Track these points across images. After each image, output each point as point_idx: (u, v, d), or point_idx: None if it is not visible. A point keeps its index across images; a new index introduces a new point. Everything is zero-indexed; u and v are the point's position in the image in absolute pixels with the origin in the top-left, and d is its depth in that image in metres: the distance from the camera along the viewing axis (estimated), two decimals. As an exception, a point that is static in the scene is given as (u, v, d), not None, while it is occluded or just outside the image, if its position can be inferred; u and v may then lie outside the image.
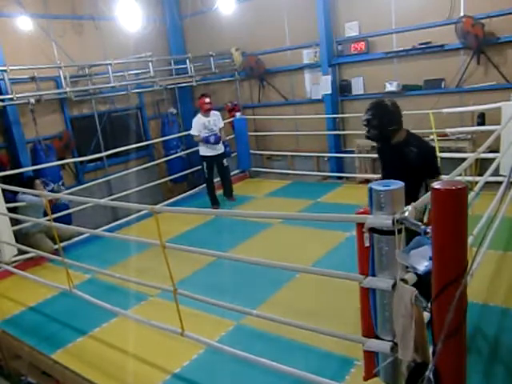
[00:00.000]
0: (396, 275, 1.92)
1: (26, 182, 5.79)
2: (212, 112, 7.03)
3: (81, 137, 7.92)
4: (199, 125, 6.87)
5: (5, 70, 6.27)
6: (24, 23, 6.87)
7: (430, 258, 1.76)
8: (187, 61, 8.70)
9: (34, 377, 4.06)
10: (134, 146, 7.66)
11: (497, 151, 5.42)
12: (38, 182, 5.83)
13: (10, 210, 5.45)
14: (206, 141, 6.83)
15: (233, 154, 8.30)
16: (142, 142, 8.45)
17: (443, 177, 2.90)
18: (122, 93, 8.03)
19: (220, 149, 7.08)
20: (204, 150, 7.02)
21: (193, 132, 6.96)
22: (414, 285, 1.90)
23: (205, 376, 3.26)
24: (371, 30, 7.37)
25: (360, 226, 2.00)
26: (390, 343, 2.02)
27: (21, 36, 6.94)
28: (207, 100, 6.89)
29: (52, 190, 6.26)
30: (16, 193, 5.56)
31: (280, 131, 8.68)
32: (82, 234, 5.79)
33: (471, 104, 6.25)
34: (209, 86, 9.58)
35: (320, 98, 8.08)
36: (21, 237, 5.70)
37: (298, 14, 8.06)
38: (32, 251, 5.09)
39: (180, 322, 3.17)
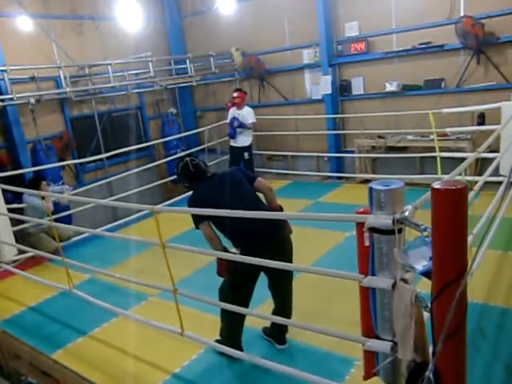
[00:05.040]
0: (396, 275, 1.92)
1: (32, 182, 5.73)
2: (245, 107, 7.56)
3: (81, 137, 7.93)
4: (230, 115, 7.60)
5: (5, 70, 6.28)
6: (24, 23, 6.88)
7: (430, 258, 1.75)
8: (187, 61, 8.72)
9: (34, 377, 4.06)
10: (135, 147, 7.66)
11: (497, 151, 5.42)
12: (44, 183, 5.78)
13: (10, 210, 5.45)
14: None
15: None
16: (142, 142, 8.46)
17: (444, 177, 2.90)
18: (122, 93, 8.03)
19: (238, 142, 7.56)
20: (231, 141, 7.70)
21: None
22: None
23: (205, 376, 3.26)
24: (371, 30, 7.37)
25: (360, 225, 1.99)
26: (390, 343, 2.02)
27: (21, 36, 6.95)
28: (234, 95, 7.51)
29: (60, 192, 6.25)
30: (17, 193, 5.56)
31: (280, 131, 8.68)
32: (81, 234, 5.79)
33: (471, 104, 6.25)
34: (209, 85, 9.59)
35: (320, 98, 8.09)
36: (23, 237, 5.70)
37: (298, 14, 8.06)
38: (32, 251, 5.09)
39: (180, 322, 3.17)
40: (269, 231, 3.08)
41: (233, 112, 7.57)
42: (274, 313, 3.34)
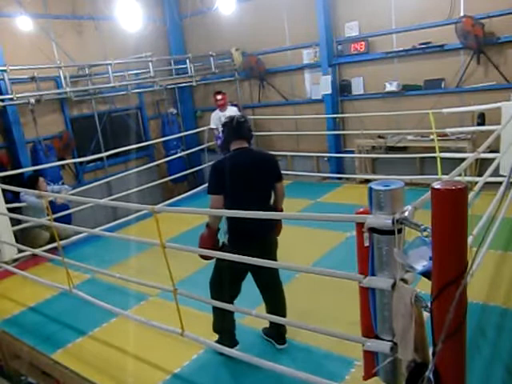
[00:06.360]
0: (396, 275, 1.92)
1: (29, 180, 5.80)
2: (229, 107, 7.56)
3: (81, 137, 7.93)
4: (215, 119, 7.50)
5: (5, 70, 6.28)
6: (24, 23, 6.87)
7: (430, 258, 1.76)
8: (187, 61, 8.71)
9: (34, 377, 4.06)
10: (134, 146, 7.67)
11: (497, 151, 5.42)
12: (41, 179, 5.86)
13: (10, 210, 5.45)
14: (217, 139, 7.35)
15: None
16: (142, 142, 8.46)
17: (444, 177, 2.90)
18: (122, 93, 8.03)
19: None
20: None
21: (211, 125, 7.63)
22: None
23: (205, 376, 3.26)
24: (371, 30, 7.37)
25: (360, 225, 1.99)
26: (390, 343, 2.02)
27: (21, 36, 6.94)
28: (218, 97, 7.41)
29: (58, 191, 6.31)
30: (17, 193, 5.57)
31: (280, 131, 8.69)
32: (79, 233, 5.79)
33: (471, 104, 6.25)
34: (209, 85, 9.58)
35: (320, 98, 8.08)
36: (20, 235, 5.72)
37: (298, 14, 8.06)
38: (30, 250, 5.10)
39: (180, 322, 3.17)
40: (260, 230, 3.13)
41: (217, 115, 7.48)
42: (268, 313, 3.36)
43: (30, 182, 5.68)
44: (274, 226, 3.33)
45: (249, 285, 3.77)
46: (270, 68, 8.63)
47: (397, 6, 7.06)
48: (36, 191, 5.02)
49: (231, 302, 3.26)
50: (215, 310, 3.36)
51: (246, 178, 3.14)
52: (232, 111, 7.46)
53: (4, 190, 5.19)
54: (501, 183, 3.94)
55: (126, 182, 7.48)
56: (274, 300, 3.45)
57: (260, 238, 3.19)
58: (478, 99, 6.37)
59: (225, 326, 3.36)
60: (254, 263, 2.72)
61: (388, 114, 7.22)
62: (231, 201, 3.08)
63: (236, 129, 3.25)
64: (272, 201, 3.43)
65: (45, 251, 5.12)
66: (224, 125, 3.34)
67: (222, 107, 7.49)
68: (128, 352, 3.58)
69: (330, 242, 5.16)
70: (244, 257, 2.70)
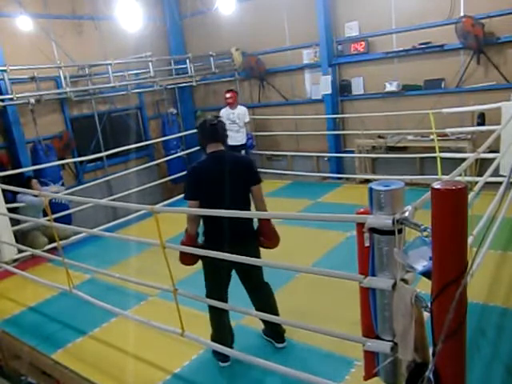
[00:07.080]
0: (396, 275, 1.92)
1: (23, 182, 5.84)
2: (238, 106, 7.74)
3: (81, 137, 7.92)
4: (224, 116, 7.50)
5: (5, 70, 6.27)
6: (24, 23, 6.86)
7: (430, 258, 1.76)
8: (187, 61, 8.71)
9: (34, 377, 4.06)
10: (134, 146, 7.68)
11: (497, 151, 5.42)
12: (34, 181, 5.90)
13: (9, 210, 5.46)
14: None
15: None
16: (141, 142, 8.46)
17: (444, 177, 2.90)
18: (122, 93, 8.02)
19: (237, 141, 7.59)
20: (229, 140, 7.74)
21: None
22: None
23: (205, 376, 3.26)
24: (371, 30, 7.37)
25: (360, 225, 2.00)
26: (390, 343, 2.02)
27: (21, 36, 6.94)
28: (227, 95, 7.65)
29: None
30: (16, 193, 5.59)
31: (280, 131, 8.69)
32: (79, 233, 5.79)
33: (471, 104, 6.25)
34: (209, 85, 9.58)
35: (320, 98, 8.08)
36: (19, 236, 5.73)
37: (298, 14, 8.06)
38: (29, 250, 5.10)
39: (180, 322, 3.17)
40: (236, 237, 3.05)
41: (226, 112, 7.59)
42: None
43: (24, 184, 5.70)
44: (253, 234, 3.23)
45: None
46: (270, 68, 8.63)
47: (397, 6, 7.06)
48: (34, 191, 5.04)
49: (226, 313, 3.26)
50: (213, 322, 3.33)
51: (222, 181, 3.06)
52: (241, 110, 7.67)
53: (4, 190, 5.20)
54: (501, 183, 3.94)
55: (126, 181, 7.48)
56: (260, 302, 3.40)
57: (234, 245, 3.00)
58: (478, 99, 6.37)
59: (222, 340, 3.28)
60: (232, 259, 2.74)
61: (388, 114, 7.22)
62: (207, 206, 3.03)
63: (209, 132, 3.22)
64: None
65: (44, 251, 5.13)
66: (197, 127, 3.32)
67: (231, 105, 7.61)
68: (128, 352, 3.58)
69: (330, 242, 5.16)
70: (224, 253, 2.71)
